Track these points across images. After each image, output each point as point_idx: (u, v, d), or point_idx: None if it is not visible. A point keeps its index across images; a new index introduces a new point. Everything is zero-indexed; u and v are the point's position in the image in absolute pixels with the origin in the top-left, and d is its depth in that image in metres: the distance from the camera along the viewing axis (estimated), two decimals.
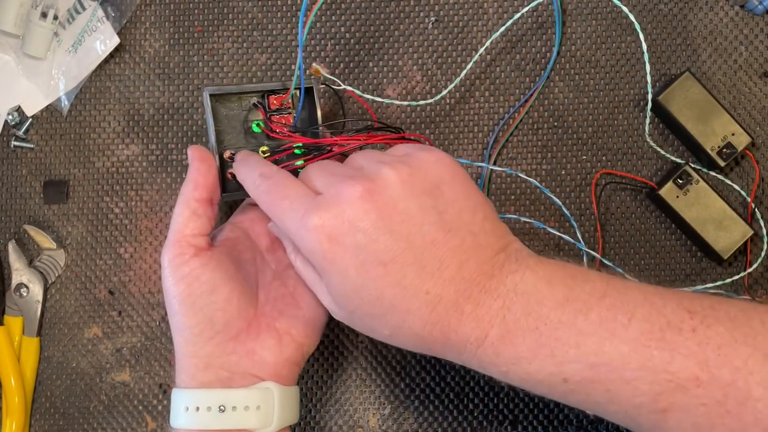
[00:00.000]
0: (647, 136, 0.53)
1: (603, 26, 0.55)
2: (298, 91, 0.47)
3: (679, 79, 0.53)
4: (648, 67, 0.49)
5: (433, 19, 0.55)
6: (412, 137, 0.49)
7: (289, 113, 0.48)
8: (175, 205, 0.45)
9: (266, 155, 0.47)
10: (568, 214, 0.54)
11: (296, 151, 0.47)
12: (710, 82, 0.55)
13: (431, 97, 0.55)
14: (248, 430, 0.44)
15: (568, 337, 0.37)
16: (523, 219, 0.54)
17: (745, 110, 0.55)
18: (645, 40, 0.48)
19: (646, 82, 0.50)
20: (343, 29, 0.56)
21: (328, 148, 0.46)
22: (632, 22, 0.48)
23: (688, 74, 0.53)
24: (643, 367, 0.36)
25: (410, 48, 0.55)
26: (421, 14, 0.56)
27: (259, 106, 0.48)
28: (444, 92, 0.53)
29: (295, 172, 0.46)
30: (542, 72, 0.55)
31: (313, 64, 0.46)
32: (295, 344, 0.46)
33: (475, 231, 0.39)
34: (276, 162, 0.47)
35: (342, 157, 0.51)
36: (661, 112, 0.54)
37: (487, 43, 0.53)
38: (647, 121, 0.53)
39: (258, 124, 0.48)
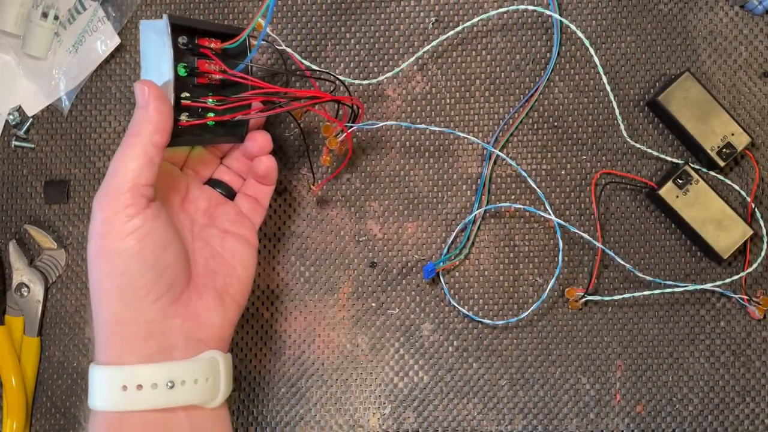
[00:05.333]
0: (627, 137, 0.53)
1: (603, 26, 0.55)
2: (249, 39, 0.44)
3: (679, 79, 0.53)
4: (605, 79, 0.48)
5: (433, 19, 0.56)
6: (339, 99, 0.48)
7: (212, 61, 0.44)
8: (125, 147, 0.40)
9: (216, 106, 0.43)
10: (548, 204, 0.54)
11: (210, 100, 0.43)
12: (710, 82, 0.55)
13: (430, 95, 0.55)
14: (195, 405, 0.41)
15: None
16: (514, 206, 0.54)
17: (744, 110, 0.55)
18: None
19: (605, 84, 0.50)
20: (343, 29, 0.56)
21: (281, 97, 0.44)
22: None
23: (688, 74, 0.53)
24: None
25: (410, 48, 0.56)
26: (421, 14, 0.56)
27: (207, 49, 0.43)
28: (389, 73, 0.53)
29: (206, 125, 0.43)
30: (542, 72, 0.55)
31: (258, 18, 0.44)
32: (235, 304, 0.44)
33: None
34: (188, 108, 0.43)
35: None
36: (660, 112, 0.54)
37: (472, 22, 0.53)
38: (621, 124, 0.52)
39: (184, 67, 0.42)
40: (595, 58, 0.49)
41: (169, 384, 0.39)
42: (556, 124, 0.55)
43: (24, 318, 0.55)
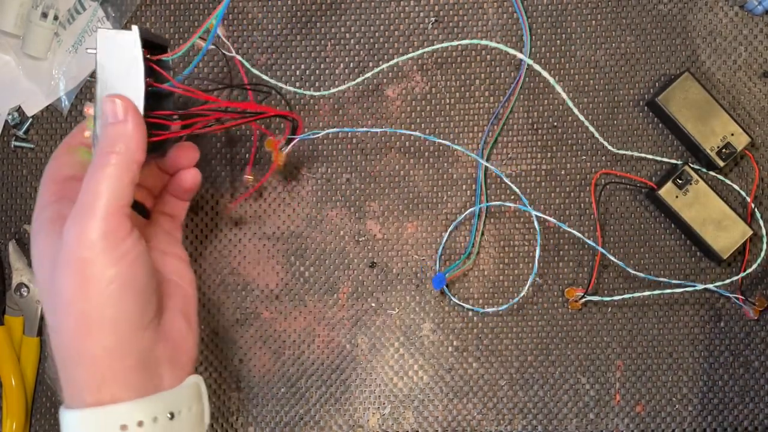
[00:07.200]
0: (614, 150, 0.53)
1: (603, 26, 0.55)
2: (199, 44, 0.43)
3: (679, 79, 0.53)
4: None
5: (433, 19, 0.56)
6: (282, 114, 0.47)
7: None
8: (104, 166, 0.36)
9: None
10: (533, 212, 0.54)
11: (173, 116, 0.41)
12: (710, 83, 0.55)
13: (429, 95, 0.55)
14: None
15: None
16: (508, 204, 0.54)
17: (744, 110, 0.55)
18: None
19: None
20: (343, 29, 0.56)
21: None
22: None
23: (688, 74, 0.53)
24: None
25: (410, 48, 0.55)
26: (421, 14, 0.56)
27: (152, 62, 0.40)
28: (345, 85, 0.52)
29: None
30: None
31: (205, 29, 0.42)
32: (196, 325, 0.43)
33: None
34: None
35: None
36: (660, 113, 0.54)
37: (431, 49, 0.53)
38: (604, 143, 0.53)
39: None
40: (563, 95, 0.48)
41: (169, 415, 0.37)
42: (556, 124, 0.55)
43: (24, 318, 0.55)
